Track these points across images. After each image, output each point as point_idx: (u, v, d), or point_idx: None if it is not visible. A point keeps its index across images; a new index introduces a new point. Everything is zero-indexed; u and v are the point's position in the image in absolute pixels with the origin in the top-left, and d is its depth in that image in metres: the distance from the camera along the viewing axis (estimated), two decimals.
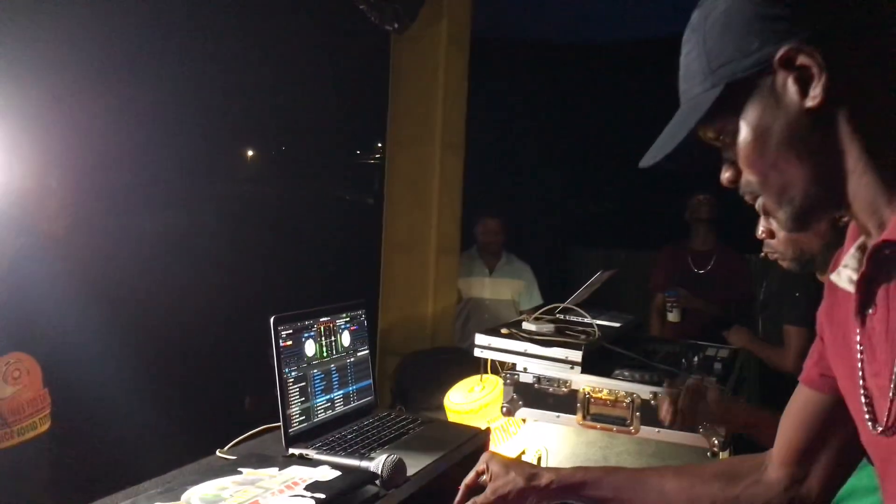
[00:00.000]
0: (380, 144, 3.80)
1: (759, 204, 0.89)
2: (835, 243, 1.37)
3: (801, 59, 0.77)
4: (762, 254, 1.55)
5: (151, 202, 6.53)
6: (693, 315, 3.91)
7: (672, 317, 3.86)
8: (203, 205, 7.47)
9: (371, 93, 4.00)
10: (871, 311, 0.84)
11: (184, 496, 1.29)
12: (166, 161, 6.47)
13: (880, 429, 0.83)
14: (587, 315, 2.58)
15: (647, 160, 0.94)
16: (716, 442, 2.07)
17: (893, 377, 0.80)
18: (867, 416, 0.85)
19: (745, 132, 0.84)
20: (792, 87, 0.79)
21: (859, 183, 0.80)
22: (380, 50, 3.60)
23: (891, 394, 0.81)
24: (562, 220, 6.17)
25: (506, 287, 4.29)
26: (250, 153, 9.93)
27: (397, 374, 3.20)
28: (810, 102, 0.78)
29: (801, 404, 1.14)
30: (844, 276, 0.89)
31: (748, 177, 0.86)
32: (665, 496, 1.23)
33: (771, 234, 1.48)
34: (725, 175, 0.90)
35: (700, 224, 4.08)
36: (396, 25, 3.21)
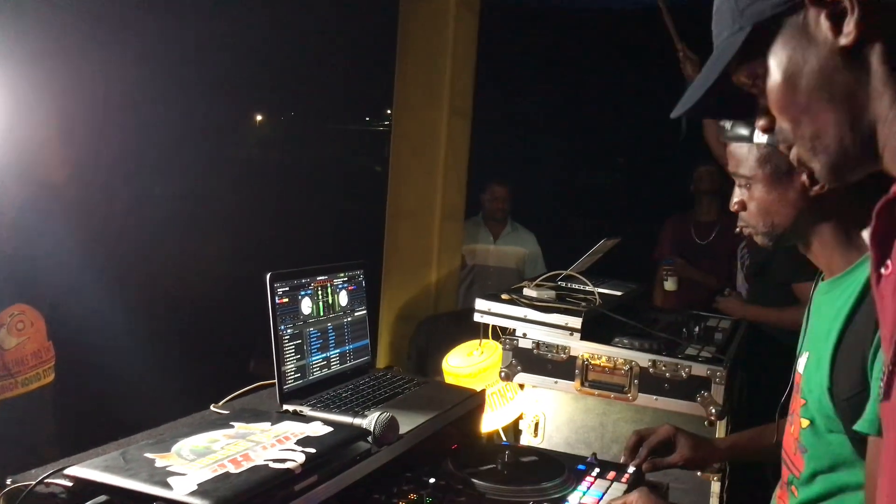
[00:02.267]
0: (388, 111, 3.75)
1: (793, 154, 0.84)
2: (808, 218, 1.34)
3: None
4: (737, 229, 1.48)
5: (159, 163, 6.54)
6: (696, 286, 3.90)
7: (668, 285, 3.85)
8: (211, 167, 7.48)
9: (380, 57, 3.96)
10: (885, 270, 0.79)
11: (174, 447, 1.30)
12: (174, 123, 6.47)
13: (882, 394, 0.78)
14: (589, 283, 2.56)
15: (678, 110, 0.92)
16: (713, 411, 2.07)
17: (894, 338, 0.76)
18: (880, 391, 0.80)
19: (775, 74, 0.80)
20: (824, 24, 0.74)
21: (891, 131, 0.75)
22: (388, 12, 3.56)
23: (892, 358, 0.77)
24: (569, 190, 6.14)
25: (510, 255, 4.28)
26: (259, 118, 9.91)
27: (415, 337, 3.20)
28: (843, 40, 0.73)
29: None
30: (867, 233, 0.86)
31: (781, 123, 0.83)
32: None
33: (743, 206, 1.41)
34: (760, 122, 0.86)
35: (703, 195, 4.09)
36: None
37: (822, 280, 1.41)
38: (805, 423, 1.30)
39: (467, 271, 4.15)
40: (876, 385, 1.07)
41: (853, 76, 0.75)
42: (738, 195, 1.42)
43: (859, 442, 1.17)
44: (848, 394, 1.17)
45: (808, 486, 1.31)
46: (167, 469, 1.20)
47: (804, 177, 1.30)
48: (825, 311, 1.33)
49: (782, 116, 0.82)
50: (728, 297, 3.22)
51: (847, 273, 1.31)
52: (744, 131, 1.36)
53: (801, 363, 1.37)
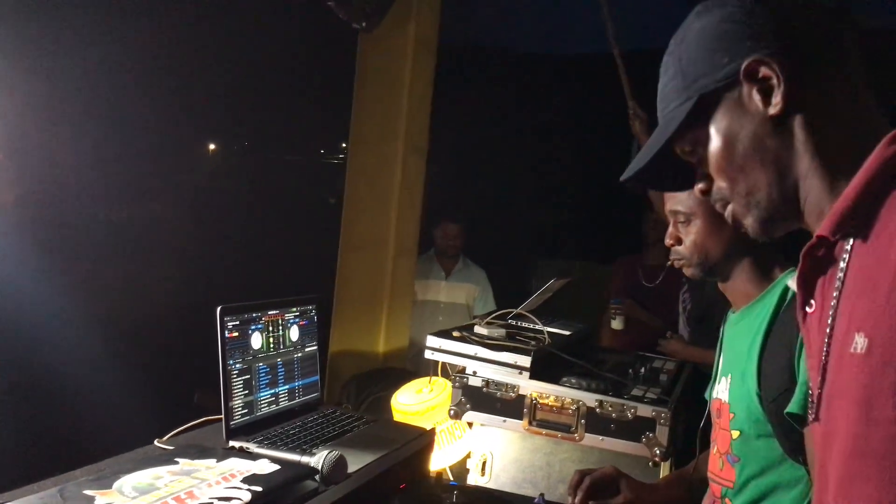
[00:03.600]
0: (344, 145, 3.77)
1: (728, 211, 0.94)
2: (735, 252, 1.50)
3: (764, 71, 0.85)
4: (669, 262, 1.62)
5: (105, 188, 6.42)
6: (643, 327, 3.97)
7: (615, 324, 3.92)
8: (159, 194, 7.36)
9: (337, 91, 3.98)
10: (809, 309, 0.89)
11: (115, 484, 1.27)
12: (128, 151, 6.38)
13: (812, 416, 0.87)
14: (538, 322, 2.59)
15: (627, 173, 1.02)
16: (657, 452, 2.10)
17: (821, 368, 0.85)
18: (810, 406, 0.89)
19: (715, 140, 0.91)
20: (756, 97, 0.86)
21: (810, 186, 0.87)
22: (347, 48, 3.58)
23: (818, 383, 0.86)
24: (521, 229, 6.21)
25: (461, 291, 4.30)
26: (212, 147, 9.82)
27: (346, 386, 3.18)
28: (772, 110, 0.85)
29: None
30: (790, 277, 0.96)
31: (719, 183, 0.93)
32: None
33: (678, 241, 1.55)
34: (699, 186, 0.96)
35: (651, 242, 4.18)
36: (364, 24, 3.20)
37: (733, 313, 1.57)
38: (735, 434, 1.44)
39: (418, 307, 4.15)
40: (803, 372, 1.21)
41: (780, 141, 0.87)
42: (673, 231, 1.56)
43: (787, 440, 1.31)
44: (775, 394, 1.31)
45: (741, 493, 1.44)
46: None
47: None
48: (741, 335, 1.49)
49: (720, 177, 0.92)
50: (670, 339, 3.30)
51: (759, 300, 1.47)
52: None
53: (720, 388, 1.52)
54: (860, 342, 0.76)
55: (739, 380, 1.44)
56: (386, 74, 3.48)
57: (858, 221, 0.81)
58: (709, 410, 1.62)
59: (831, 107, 0.86)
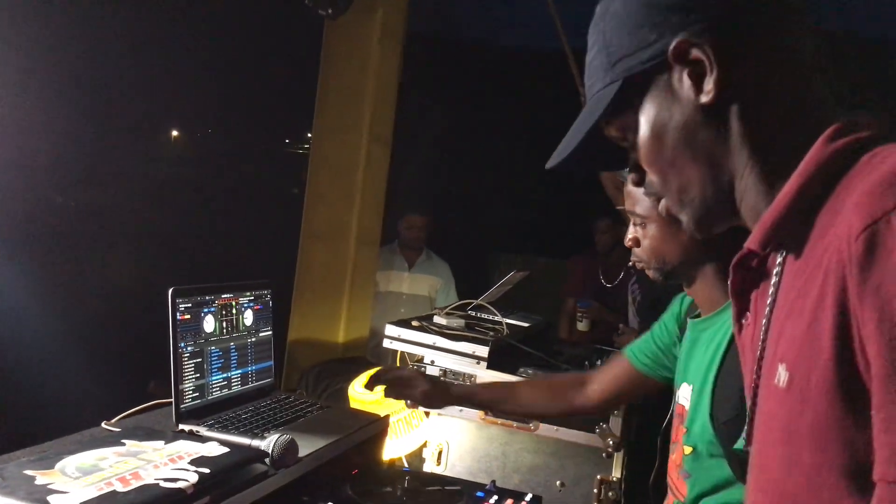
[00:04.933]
0: (309, 134, 3.74)
1: (662, 205, 0.86)
2: (696, 258, 1.44)
3: (694, 53, 0.74)
4: (630, 263, 1.59)
5: (63, 172, 6.29)
6: (607, 326, 4.01)
7: (581, 326, 3.96)
8: (123, 182, 7.24)
9: (302, 80, 3.94)
10: (745, 321, 0.83)
11: (58, 465, 1.24)
12: (86, 136, 6.25)
13: (745, 440, 0.82)
14: (498, 313, 2.61)
15: (552, 161, 0.91)
16: (611, 443, 2.13)
17: (752, 390, 0.79)
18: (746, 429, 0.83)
19: (643, 129, 0.80)
20: (686, 82, 0.75)
21: (746, 186, 0.77)
22: (312, 35, 3.55)
23: (750, 406, 0.81)
24: (484, 223, 6.23)
25: (424, 283, 4.30)
26: (174, 133, 9.67)
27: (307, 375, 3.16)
28: (704, 98, 0.75)
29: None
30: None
31: (650, 176, 0.83)
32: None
33: (637, 242, 1.51)
34: (630, 176, 0.87)
35: (607, 246, 4.26)
36: (330, 11, 3.17)
37: (699, 317, 1.52)
38: (688, 450, 1.40)
39: (380, 298, 4.14)
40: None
41: (713, 133, 0.76)
42: (632, 232, 1.52)
43: (738, 463, 1.26)
44: (726, 417, 1.27)
45: None
46: (48, 487, 1.15)
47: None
48: (703, 345, 1.44)
49: (651, 169, 0.82)
50: (622, 334, 3.33)
51: (723, 310, 1.42)
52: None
53: (683, 394, 1.48)
54: (782, 375, 0.69)
55: (697, 395, 1.40)
56: (351, 63, 3.46)
57: (790, 232, 0.73)
58: (673, 410, 1.57)
59: (773, 96, 0.75)
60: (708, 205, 0.79)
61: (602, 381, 1.83)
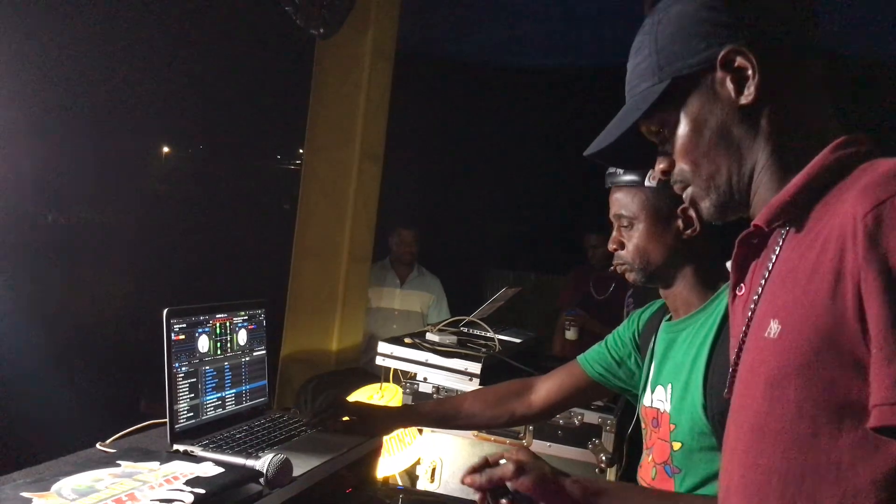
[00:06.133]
0: (301, 150, 3.75)
1: (687, 193, 0.97)
2: (678, 259, 1.51)
3: (740, 61, 0.88)
4: (612, 267, 1.63)
5: (54, 189, 6.28)
6: (596, 339, 4.03)
7: (570, 335, 3.99)
8: (114, 199, 7.23)
9: (294, 97, 3.96)
10: (739, 291, 0.95)
11: (54, 487, 1.24)
12: (79, 153, 6.25)
13: (727, 393, 0.94)
14: (490, 329, 2.62)
15: (592, 148, 1.03)
16: (603, 458, 2.14)
17: (738, 348, 0.91)
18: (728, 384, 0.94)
19: (684, 123, 0.93)
20: (730, 85, 0.89)
21: (762, 179, 0.90)
22: (304, 54, 3.57)
23: (733, 362, 0.92)
24: (477, 239, 6.24)
25: (416, 299, 4.31)
26: (166, 150, 9.67)
27: (300, 394, 3.16)
28: (744, 100, 0.88)
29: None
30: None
31: (682, 165, 0.95)
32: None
33: (621, 246, 1.56)
34: (660, 166, 0.99)
35: (597, 259, 4.30)
36: (322, 31, 3.19)
37: (671, 320, 1.57)
38: (677, 445, 1.43)
39: (372, 314, 4.15)
40: None
41: (745, 130, 0.90)
42: (616, 236, 1.57)
43: None
44: (722, 408, 1.28)
45: None
46: None
47: (680, 222, 1.50)
48: (683, 345, 1.49)
49: (685, 159, 0.95)
50: None
51: (703, 308, 1.48)
52: (634, 177, 1.52)
53: (656, 396, 1.52)
54: (774, 328, 0.82)
55: (682, 391, 1.43)
56: (343, 81, 3.48)
57: (794, 214, 0.86)
58: (638, 415, 1.64)
59: (798, 103, 0.89)
60: (731, 192, 0.93)
61: (548, 387, 1.86)
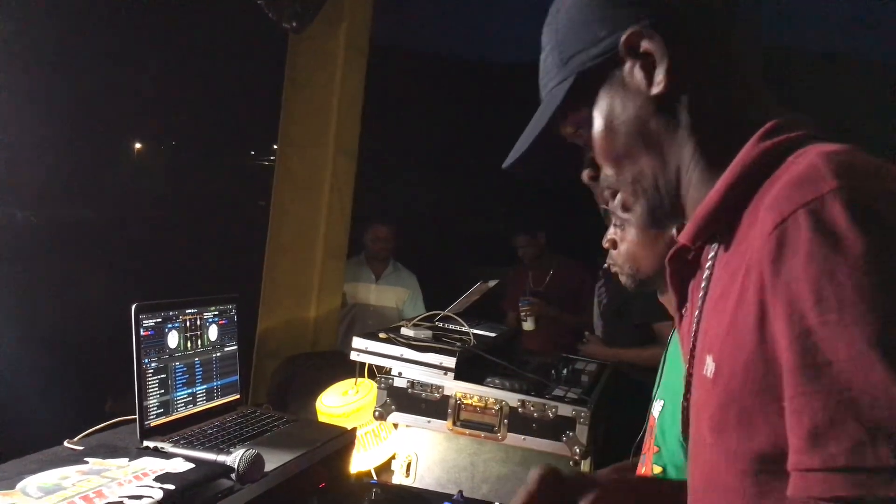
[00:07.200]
0: (275, 146, 3.73)
1: (618, 200, 0.85)
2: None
3: (645, 45, 0.76)
4: (605, 265, 1.57)
5: (25, 186, 6.19)
6: (558, 326, 4.05)
7: (527, 326, 3.99)
8: (86, 195, 7.15)
9: (267, 92, 3.93)
10: (684, 310, 0.86)
11: (19, 485, 1.22)
12: (50, 149, 6.17)
13: (682, 430, 0.85)
14: (465, 324, 2.62)
15: (507, 161, 0.91)
16: (577, 451, 2.15)
17: (687, 376, 0.82)
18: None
19: (597, 122, 0.81)
20: (638, 74, 0.77)
21: (690, 179, 0.79)
22: (277, 48, 3.55)
23: (685, 395, 0.83)
24: (453, 235, 6.25)
25: (391, 294, 4.30)
26: (138, 146, 9.56)
27: (273, 377, 3.14)
28: (655, 89, 0.76)
29: None
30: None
31: (606, 170, 0.84)
32: None
33: (614, 245, 1.50)
34: (585, 172, 0.87)
35: (528, 265, 4.39)
36: (295, 24, 3.17)
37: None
38: (657, 469, 1.37)
39: (347, 310, 4.13)
40: None
41: (664, 124, 0.78)
42: (611, 233, 1.51)
43: None
44: None
45: None
46: None
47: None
48: (679, 360, 1.40)
49: (605, 162, 0.83)
50: (587, 342, 3.36)
51: None
52: None
53: (656, 409, 1.45)
54: (710, 366, 0.72)
55: (670, 415, 1.36)
56: (316, 76, 3.46)
57: (721, 227, 0.76)
58: (647, 424, 1.52)
59: (718, 93, 0.78)
60: (660, 195, 0.81)
61: None
